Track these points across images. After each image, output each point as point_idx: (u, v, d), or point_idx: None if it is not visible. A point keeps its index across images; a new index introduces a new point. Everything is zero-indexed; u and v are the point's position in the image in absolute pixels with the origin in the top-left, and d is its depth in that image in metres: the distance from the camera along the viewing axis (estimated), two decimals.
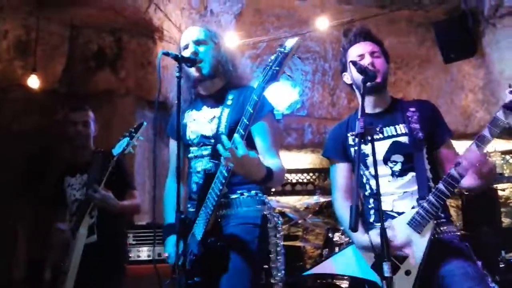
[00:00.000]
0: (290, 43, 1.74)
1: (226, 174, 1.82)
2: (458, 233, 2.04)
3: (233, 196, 2.03)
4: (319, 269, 2.30)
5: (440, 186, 1.86)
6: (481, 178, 1.84)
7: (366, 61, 2.05)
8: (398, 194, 2.01)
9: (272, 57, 1.76)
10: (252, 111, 1.76)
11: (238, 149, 1.71)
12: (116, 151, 2.65)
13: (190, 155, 2.14)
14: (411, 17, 5.33)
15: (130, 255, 3.51)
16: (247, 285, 1.90)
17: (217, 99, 2.13)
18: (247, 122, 1.77)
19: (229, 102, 2.08)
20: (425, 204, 1.89)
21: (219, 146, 1.74)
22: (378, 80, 2.03)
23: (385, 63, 2.14)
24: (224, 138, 1.74)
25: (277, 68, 1.73)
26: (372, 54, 2.10)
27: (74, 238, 2.65)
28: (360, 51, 2.12)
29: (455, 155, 2.06)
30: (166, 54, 1.95)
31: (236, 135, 1.76)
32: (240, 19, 5.32)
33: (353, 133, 2.09)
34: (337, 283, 3.36)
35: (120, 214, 2.90)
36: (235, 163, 1.73)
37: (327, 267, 2.20)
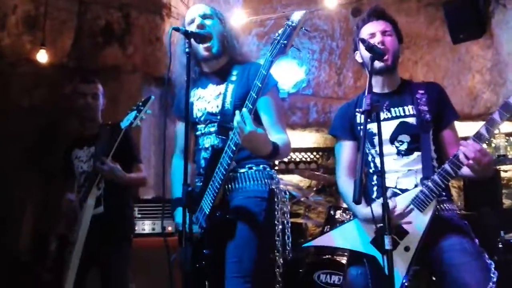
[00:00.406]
0: (297, 16, 1.75)
1: (234, 149, 1.85)
2: (458, 211, 2.09)
3: (242, 170, 2.06)
4: (319, 241, 2.32)
5: (446, 166, 1.88)
6: (475, 173, 1.85)
7: (376, 39, 2.06)
8: (403, 172, 2.04)
9: (280, 31, 1.77)
10: (260, 85, 1.79)
11: (246, 124, 1.75)
12: (124, 124, 2.67)
13: (198, 132, 2.17)
14: None
15: (135, 228, 3.58)
16: (253, 254, 1.94)
17: (221, 76, 2.14)
18: (255, 96, 1.80)
19: (233, 78, 2.09)
20: (429, 184, 1.92)
21: (234, 121, 1.77)
22: (387, 58, 2.04)
23: (396, 42, 2.14)
24: (237, 113, 1.77)
25: (285, 41, 1.75)
26: (383, 32, 2.10)
27: (81, 209, 2.69)
28: (372, 29, 2.12)
29: (456, 138, 2.10)
30: (177, 29, 1.95)
31: (244, 110, 1.78)
32: None
33: (360, 109, 2.11)
34: (338, 259, 3.42)
35: (126, 186, 2.95)
36: (243, 138, 1.77)
37: (326, 240, 2.23)
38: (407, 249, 1.91)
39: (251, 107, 1.80)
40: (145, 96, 2.83)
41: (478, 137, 1.82)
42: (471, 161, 1.79)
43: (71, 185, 2.97)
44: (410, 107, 2.09)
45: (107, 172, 2.67)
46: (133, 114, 2.66)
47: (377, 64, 2.04)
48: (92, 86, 3.00)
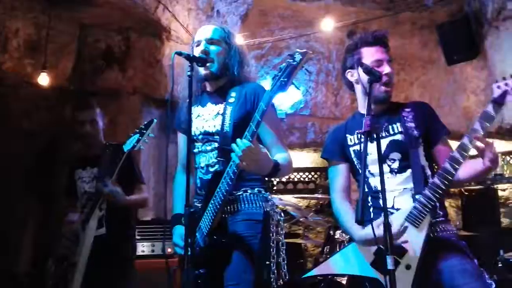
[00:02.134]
0: (299, 55, 1.80)
1: (232, 176, 1.89)
2: (456, 232, 2.09)
3: (238, 193, 2.10)
4: (319, 270, 2.30)
5: (435, 180, 1.90)
6: (490, 161, 1.84)
7: (386, 70, 2.10)
8: (398, 191, 2.05)
9: (281, 67, 1.82)
10: (260, 119, 1.84)
11: (243, 143, 1.80)
12: (127, 147, 2.70)
13: (195, 150, 2.21)
14: (415, 19, 5.37)
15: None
16: (251, 277, 1.96)
17: (220, 96, 2.19)
18: (254, 129, 1.85)
19: (231, 100, 2.14)
20: (421, 199, 1.93)
21: (234, 146, 1.81)
22: (390, 90, 2.10)
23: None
24: (233, 145, 1.82)
25: (285, 79, 1.80)
26: (389, 62, 2.14)
27: (83, 230, 2.70)
28: (378, 56, 2.13)
29: (450, 152, 2.09)
30: (179, 54, 2.00)
31: (244, 140, 1.83)
32: (246, 20, 5.38)
33: (359, 131, 2.13)
34: (338, 280, 3.41)
35: (128, 208, 2.96)
36: (243, 154, 1.80)
37: (326, 268, 2.21)
38: (408, 267, 1.91)
39: (250, 138, 1.85)
40: (145, 118, 2.87)
41: (472, 133, 1.86)
42: (480, 147, 1.81)
43: (74, 205, 2.98)
44: (398, 124, 2.12)
45: (108, 195, 2.69)
46: (135, 138, 2.69)
47: (380, 93, 2.09)
48: (89, 113, 3.03)
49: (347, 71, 2.24)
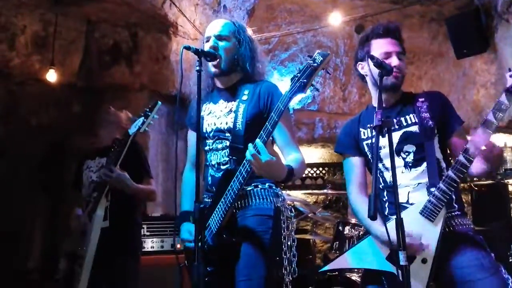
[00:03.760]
0: (320, 57, 1.77)
1: (246, 176, 1.88)
2: (472, 226, 2.05)
3: (248, 188, 2.08)
4: (335, 264, 2.26)
5: (450, 173, 1.87)
6: (489, 162, 1.84)
7: (393, 62, 2.06)
8: (413, 186, 2.02)
9: (301, 68, 1.80)
10: (277, 119, 1.82)
11: (261, 154, 1.77)
12: (132, 130, 2.67)
13: (206, 147, 2.19)
14: (424, 12, 5.32)
15: (144, 246, 3.56)
16: (262, 272, 1.95)
17: (233, 93, 2.17)
18: (270, 129, 1.82)
19: (244, 98, 2.12)
20: (436, 192, 1.90)
21: (247, 153, 1.79)
22: (397, 75, 2.05)
23: (405, 64, 2.14)
24: (250, 145, 1.80)
25: (305, 80, 1.77)
26: (398, 54, 2.10)
27: (91, 220, 2.68)
28: (388, 48, 2.10)
29: (465, 144, 2.05)
30: (188, 48, 1.97)
31: (258, 141, 1.80)
32: (253, 14, 5.36)
33: (371, 125, 2.11)
34: (348, 276, 3.40)
35: (134, 200, 2.93)
36: (258, 168, 1.79)
37: (343, 262, 2.19)
38: (424, 261, 1.89)
39: (265, 139, 1.82)
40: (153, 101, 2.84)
41: (486, 124, 1.81)
42: (484, 150, 1.78)
43: (79, 198, 2.96)
44: (411, 115, 2.08)
45: (114, 179, 2.66)
46: (140, 120, 2.67)
47: (388, 81, 2.05)
48: (105, 115, 3.06)
49: (358, 63, 2.21)
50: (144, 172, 2.98)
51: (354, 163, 2.21)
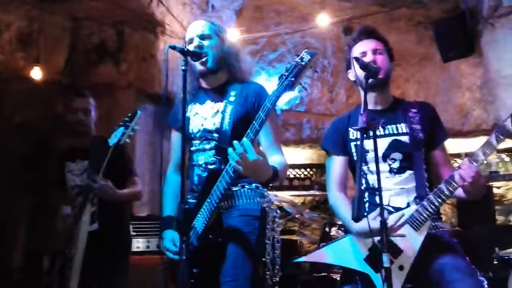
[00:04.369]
0: (307, 55, 1.77)
1: (232, 175, 1.87)
2: (447, 229, 2.11)
3: (235, 188, 2.07)
4: (311, 257, 2.29)
5: (442, 186, 1.90)
6: (470, 194, 1.88)
7: (368, 58, 2.09)
8: (395, 190, 2.05)
9: (288, 67, 1.79)
10: (264, 118, 1.81)
11: (248, 153, 1.76)
12: (112, 141, 2.63)
13: (192, 148, 2.17)
14: (411, 15, 5.36)
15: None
16: (248, 272, 1.94)
17: (220, 93, 2.16)
18: (258, 128, 1.82)
19: (231, 98, 2.11)
20: (425, 203, 1.93)
21: (230, 150, 1.78)
22: (380, 76, 2.05)
23: (388, 61, 2.17)
24: (235, 143, 1.78)
25: (292, 79, 1.77)
26: (374, 51, 2.13)
27: (76, 225, 2.66)
28: (363, 48, 2.15)
29: (447, 158, 2.15)
30: (173, 48, 1.97)
31: (245, 140, 1.79)
32: (241, 14, 5.34)
33: (356, 127, 2.12)
34: (334, 277, 3.40)
35: (121, 203, 2.92)
36: (245, 167, 1.78)
37: (319, 256, 2.20)
38: (401, 268, 1.90)
39: (252, 137, 1.82)
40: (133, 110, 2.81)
41: (474, 159, 1.84)
42: (466, 183, 1.81)
43: (64, 198, 2.93)
44: (403, 125, 2.11)
45: (97, 190, 2.65)
46: (120, 131, 2.63)
47: (370, 80, 2.06)
48: (84, 101, 2.97)
49: (348, 72, 2.26)
50: (128, 173, 2.95)
51: (338, 162, 2.22)
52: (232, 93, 2.13)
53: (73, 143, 3.05)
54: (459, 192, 1.90)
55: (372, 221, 1.80)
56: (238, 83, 2.16)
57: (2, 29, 4.27)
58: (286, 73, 1.79)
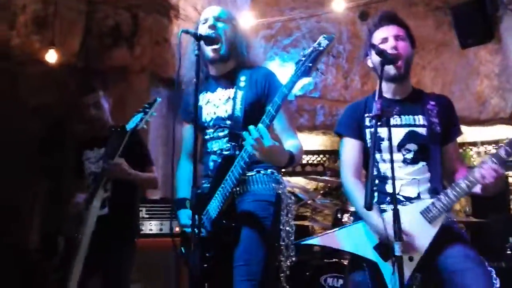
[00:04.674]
0: (325, 40, 1.75)
1: (247, 160, 1.86)
2: (455, 220, 2.14)
3: (250, 174, 2.06)
4: (323, 240, 2.26)
5: (461, 182, 1.89)
6: (488, 192, 1.88)
7: (389, 44, 2.04)
8: (406, 180, 2.04)
9: (306, 52, 1.78)
10: (280, 103, 1.80)
11: (264, 139, 1.76)
12: (129, 126, 2.65)
13: (206, 136, 2.17)
14: (429, 0, 5.26)
15: (142, 228, 3.58)
16: (261, 258, 1.95)
17: (229, 80, 2.15)
18: (273, 113, 1.81)
19: (241, 84, 2.10)
20: (441, 196, 1.92)
21: (246, 135, 1.77)
22: (400, 64, 2.02)
23: (410, 47, 2.12)
24: (251, 128, 1.78)
25: (310, 64, 1.76)
26: (396, 37, 2.08)
27: (87, 210, 2.70)
28: (384, 34, 2.10)
29: (458, 154, 2.18)
30: (186, 32, 1.96)
31: (261, 125, 1.79)
32: None
33: (370, 114, 2.10)
34: (345, 263, 3.41)
35: (136, 186, 2.94)
36: (261, 153, 1.78)
37: (331, 240, 2.17)
38: (411, 259, 1.90)
39: (268, 123, 1.81)
40: (153, 97, 2.82)
41: (497, 159, 1.82)
42: (487, 182, 1.81)
43: (82, 185, 2.98)
44: (420, 117, 2.09)
45: (112, 169, 2.68)
46: (139, 117, 2.66)
47: (391, 71, 2.03)
48: (92, 96, 2.98)
49: (366, 58, 2.20)
50: (146, 161, 2.99)
51: (352, 145, 2.18)
52: (242, 79, 2.12)
53: (91, 133, 3.09)
54: (475, 188, 1.89)
55: (388, 225, 1.78)
56: (247, 69, 2.15)
57: (17, 12, 4.29)
58: (303, 59, 1.77)
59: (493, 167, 1.80)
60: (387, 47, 2.03)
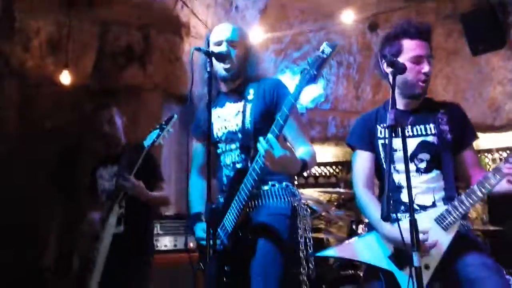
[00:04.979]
0: (328, 48, 1.76)
1: (259, 172, 1.86)
2: (472, 228, 2.11)
3: (265, 188, 2.07)
4: (340, 252, 2.25)
5: (474, 187, 1.88)
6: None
7: (425, 68, 2.04)
8: (421, 188, 2.03)
9: (310, 60, 1.79)
10: (288, 112, 1.80)
11: (274, 149, 1.76)
12: (147, 143, 2.68)
13: (219, 150, 2.19)
14: (438, 9, 5.26)
15: (157, 245, 3.59)
16: (278, 271, 1.94)
17: (238, 94, 2.17)
18: (282, 123, 1.80)
19: (250, 97, 2.12)
20: (455, 203, 1.91)
21: (259, 146, 1.77)
22: (424, 86, 2.05)
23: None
24: (261, 139, 1.79)
25: (315, 72, 1.76)
26: (429, 59, 2.07)
27: (103, 228, 2.72)
28: (420, 51, 2.06)
29: (476, 159, 2.14)
30: (198, 49, 1.99)
31: (270, 136, 1.79)
32: (265, 13, 5.35)
33: (384, 125, 2.09)
34: (361, 275, 3.37)
35: (149, 205, 2.96)
36: (272, 163, 1.77)
37: (349, 251, 2.17)
38: (427, 267, 1.89)
39: (277, 133, 1.80)
40: (166, 114, 2.85)
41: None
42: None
43: (95, 203, 3.00)
44: (431, 125, 2.09)
45: (129, 188, 2.70)
46: (156, 133, 2.69)
47: (413, 90, 2.06)
48: (106, 112, 3.02)
49: (383, 60, 2.12)
50: (156, 179, 3.01)
51: (364, 157, 2.19)
52: (251, 91, 2.14)
53: (105, 150, 3.12)
54: (503, 187, 1.87)
55: (405, 231, 1.76)
56: (254, 82, 2.17)
57: (31, 36, 4.38)
58: (308, 67, 1.78)
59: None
60: (421, 70, 2.03)
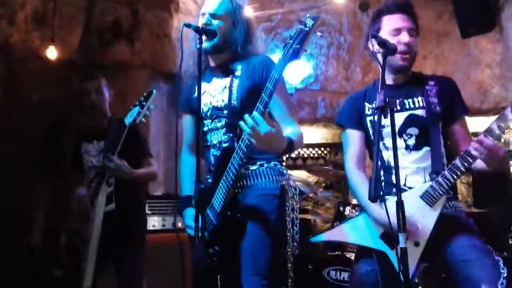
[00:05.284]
0: (311, 20, 1.73)
1: (245, 150, 1.85)
2: (463, 209, 2.09)
3: (253, 168, 2.06)
4: (331, 235, 2.27)
5: (457, 162, 1.86)
6: (491, 166, 1.83)
7: (403, 39, 2.02)
8: (411, 169, 2.02)
9: (293, 34, 1.75)
10: (272, 88, 1.77)
11: (259, 126, 1.74)
12: (128, 120, 2.65)
13: (205, 128, 2.16)
14: None
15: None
16: (267, 252, 1.95)
17: (225, 70, 2.14)
18: (267, 100, 1.78)
19: (237, 73, 2.09)
20: (439, 179, 1.90)
21: (242, 124, 1.76)
22: (408, 57, 2.02)
23: (417, 41, 2.09)
24: (246, 117, 1.76)
25: (297, 46, 1.73)
26: (409, 31, 2.05)
27: (93, 206, 2.70)
28: (398, 24, 2.05)
29: (467, 134, 2.08)
30: (188, 26, 1.96)
31: (255, 113, 1.77)
32: None
33: (373, 105, 2.08)
34: (347, 256, 3.42)
35: (136, 183, 2.94)
36: (258, 140, 1.76)
37: (339, 234, 2.19)
38: (416, 244, 1.90)
39: (262, 110, 1.79)
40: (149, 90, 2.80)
41: (489, 132, 1.80)
42: (485, 155, 1.77)
43: (81, 179, 2.97)
44: (419, 98, 2.06)
45: (113, 170, 2.67)
46: (136, 110, 2.64)
47: (398, 62, 2.02)
48: (94, 82, 2.97)
49: (369, 41, 2.12)
50: (144, 154, 2.97)
51: (355, 137, 2.18)
52: (239, 67, 2.10)
53: (90, 124, 3.07)
54: (480, 164, 1.86)
55: (391, 216, 1.76)
56: (243, 58, 2.13)
57: (16, 9, 4.28)
58: (291, 41, 1.75)
59: (486, 140, 1.76)
60: (400, 41, 2.00)
